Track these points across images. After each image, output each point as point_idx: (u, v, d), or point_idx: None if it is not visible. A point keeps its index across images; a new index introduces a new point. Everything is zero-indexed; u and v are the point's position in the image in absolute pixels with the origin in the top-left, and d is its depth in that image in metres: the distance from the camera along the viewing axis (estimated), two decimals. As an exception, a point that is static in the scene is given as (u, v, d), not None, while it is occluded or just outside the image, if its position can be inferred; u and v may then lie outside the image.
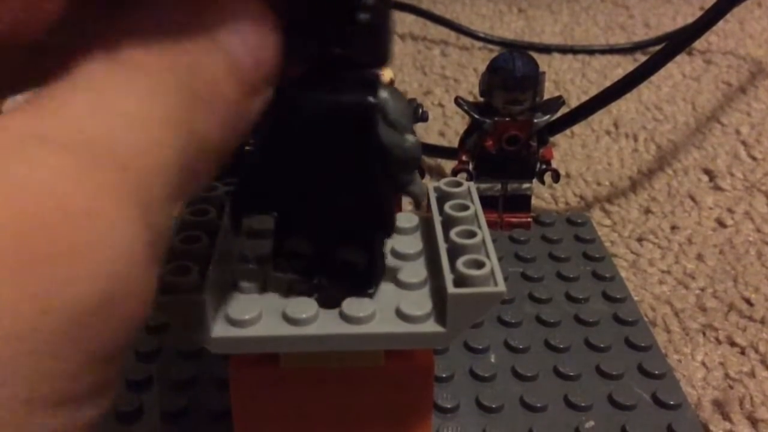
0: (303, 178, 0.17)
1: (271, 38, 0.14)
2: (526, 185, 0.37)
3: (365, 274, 0.19)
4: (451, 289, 0.18)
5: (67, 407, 0.11)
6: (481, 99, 0.37)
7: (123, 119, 0.12)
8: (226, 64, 0.13)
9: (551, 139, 0.38)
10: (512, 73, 0.34)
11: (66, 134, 0.11)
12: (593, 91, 0.42)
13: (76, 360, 0.11)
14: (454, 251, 0.19)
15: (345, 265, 0.18)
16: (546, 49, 0.62)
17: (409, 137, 0.17)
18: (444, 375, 0.28)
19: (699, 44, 0.58)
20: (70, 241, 0.10)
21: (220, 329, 0.18)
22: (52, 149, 0.11)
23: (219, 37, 0.13)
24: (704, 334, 0.32)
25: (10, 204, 0.10)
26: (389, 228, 0.18)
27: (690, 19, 0.54)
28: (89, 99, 0.12)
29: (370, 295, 0.19)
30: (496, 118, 0.36)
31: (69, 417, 0.11)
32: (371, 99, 0.16)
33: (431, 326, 0.18)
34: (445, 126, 0.50)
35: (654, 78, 0.41)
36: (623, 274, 0.35)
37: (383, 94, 0.17)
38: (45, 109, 0.11)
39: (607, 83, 0.41)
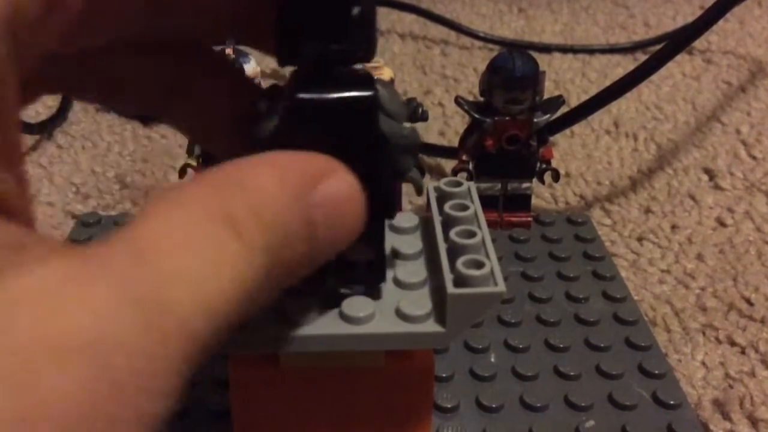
0: None
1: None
2: (526, 185, 0.37)
3: (377, 270, 0.19)
4: (451, 289, 0.18)
5: None
6: (481, 98, 0.37)
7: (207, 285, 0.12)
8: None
9: (551, 138, 0.38)
10: (512, 73, 0.34)
11: (150, 294, 0.11)
12: (593, 91, 0.42)
13: None
14: (454, 251, 0.19)
15: (354, 264, 0.18)
16: (546, 49, 0.62)
17: (407, 125, 0.18)
18: (444, 375, 0.28)
19: (699, 44, 0.58)
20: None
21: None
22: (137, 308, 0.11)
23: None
24: (704, 333, 0.32)
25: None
26: (393, 211, 0.19)
27: (690, 19, 0.54)
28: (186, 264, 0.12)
29: (376, 293, 0.19)
30: (496, 118, 0.36)
31: None
32: (371, 93, 0.17)
33: (431, 326, 0.18)
34: (445, 125, 0.50)
35: (654, 77, 0.41)
36: (623, 273, 0.35)
37: (378, 87, 0.17)
38: (145, 260, 0.12)
39: (607, 83, 0.40)
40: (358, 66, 0.17)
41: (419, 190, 0.19)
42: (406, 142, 0.18)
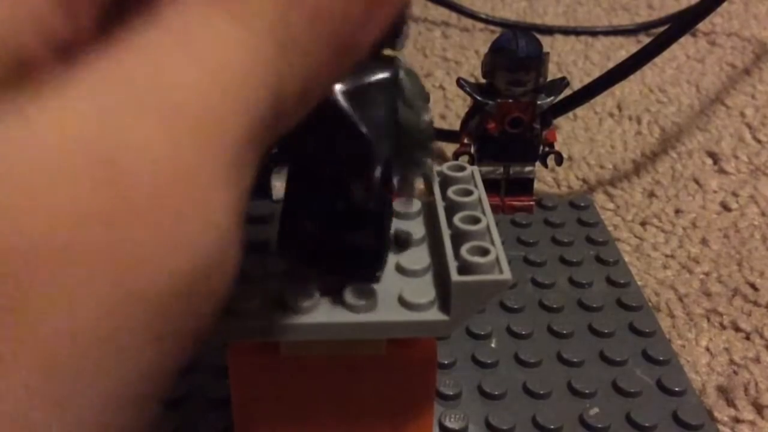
0: (314, 159, 0.17)
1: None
2: (528, 168, 0.37)
3: (376, 257, 0.18)
4: (455, 276, 0.18)
5: (146, 405, 0.10)
6: (484, 80, 0.36)
7: (217, 74, 0.10)
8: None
9: (554, 121, 0.38)
10: (515, 53, 0.34)
11: (159, 95, 0.10)
12: (596, 73, 0.42)
13: (162, 353, 0.10)
14: (458, 237, 0.19)
15: (354, 250, 0.18)
16: (548, 31, 0.61)
17: (425, 117, 0.17)
18: (446, 362, 0.28)
19: (703, 26, 0.57)
20: (165, 209, 0.09)
21: (219, 317, 0.18)
22: (148, 112, 0.09)
23: None
24: (708, 319, 0.32)
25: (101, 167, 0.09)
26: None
27: (694, 0, 0.53)
28: (185, 53, 0.10)
29: (377, 279, 0.19)
30: (498, 100, 0.35)
31: (146, 413, 0.10)
32: (393, 75, 0.16)
33: (434, 314, 0.18)
34: (446, 109, 0.50)
35: (658, 60, 0.40)
36: (627, 258, 0.35)
37: (401, 73, 0.16)
38: (136, 63, 0.10)
39: (611, 65, 0.40)
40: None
41: (429, 188, 0.19)
42: (420, 137, 0.17)
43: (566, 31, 0.62)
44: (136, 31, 0.10)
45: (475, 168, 0.22)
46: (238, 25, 0.10)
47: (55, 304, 0.08)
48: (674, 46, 0.39)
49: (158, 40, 0.10)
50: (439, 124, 0.47)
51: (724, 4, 0.40)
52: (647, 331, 0.29)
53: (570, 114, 0.45)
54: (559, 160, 0.36)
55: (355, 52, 0.12)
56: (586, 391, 0.27)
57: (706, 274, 0.35)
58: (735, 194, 0.40)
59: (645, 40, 0.56)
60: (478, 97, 0.35)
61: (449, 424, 0.25)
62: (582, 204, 0.38)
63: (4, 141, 0.09)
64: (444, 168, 0.22)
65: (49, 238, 0.08)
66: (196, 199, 0.10)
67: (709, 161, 0.44)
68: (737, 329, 0.31)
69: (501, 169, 0.37)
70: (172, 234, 0.09)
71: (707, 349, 0.30)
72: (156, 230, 0.09)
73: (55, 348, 0.09)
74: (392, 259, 0.19)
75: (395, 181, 0.17)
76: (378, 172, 0.16)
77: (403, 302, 0.18)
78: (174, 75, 0.10)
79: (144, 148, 0.09)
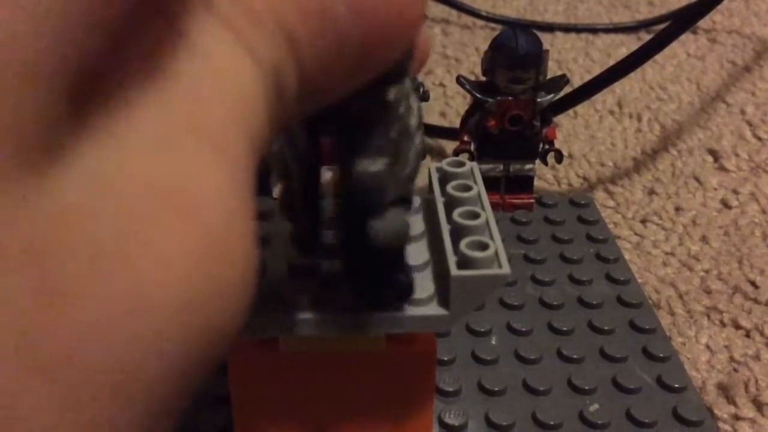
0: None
1: None
2: (528, 166, 0.37)
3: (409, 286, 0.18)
4: (454, 271, 0.18)
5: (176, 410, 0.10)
6: (484, 78, 0.36)
7: (240, 108, 0.10)
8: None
9: (554, 119, 0.38)
10: (515, 51, 0.34)
11: (202, 133, 0.09)
12: (596, 71, 0.42)
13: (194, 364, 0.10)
14: (457, 232, 0.19)
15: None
16: (549, 28, 0.61)
17: (414, 101, 0.17)
18: (446, 358, 0.28)
19: (704, 23, 0.57)
20: (234, 235, 0.10)
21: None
22: (202, 149, 0.09)
23: None
24: (709, 316, 0.32)
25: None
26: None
27: (695, -3, 0.53)
28: (216, 88, 0.10)
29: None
30: (498, 98, 0.35)
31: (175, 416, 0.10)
32: None
33: (434, 309, 0.18)
34: (446, 106, 0.50)
35: (658, 57, 0.40)
36: (627, 255, 0.35)
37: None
38: (182, 101, 0.10)
39: (611, 62, 0.40)
40: None
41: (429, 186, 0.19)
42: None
43: (567, 29, 0.62)
44: (173, 61, 0.10)
45: (475, 164, 0.22)
46: (253, 57, 0.10)
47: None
48: (675, 44, 0.39)
49: (195, 75, 0.10)
50: (439, 121, 0.47)
51: (725, 2, 0.40)
52: (647, 328, 0.29)
53: (570, 111, 0.45)
54: (559, 157, 0.36)
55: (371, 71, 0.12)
56: (586, 388, 0.27)
57: (707, 271, 0.35)
58: (735, 192, 0.40)
59: (645, 37, 0.56)
60: (478, 95, 0.35)
61: (449, 420, 0.25)
62: (582, 201, 0.38)
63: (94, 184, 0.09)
64: (444, 164, 0.22)
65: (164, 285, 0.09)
66: (245, 222, 0.10)
67: (710, 159, 0.44)
68: (737, 327, 0.31)
69: (501, 167, 0.37)
70: (240, 259, 0.10)
71: (707, 346, 0.30)
72: (229, 258, 0.09)
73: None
74: None
75: None
76: None
77: (402, 298, 0.18)
78: (209, 111, 0.10)
79: (211, 184, 0.09)
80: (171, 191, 0.09)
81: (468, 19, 0.64)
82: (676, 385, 0.27)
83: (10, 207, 0.08)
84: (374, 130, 0.15)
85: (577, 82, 0.50)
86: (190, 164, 0.09)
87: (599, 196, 0.40)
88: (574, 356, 0.28)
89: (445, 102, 0.50)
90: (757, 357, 0.30)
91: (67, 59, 0.08)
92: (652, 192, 0.41)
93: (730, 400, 0.28)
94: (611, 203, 0.40)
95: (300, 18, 0.10)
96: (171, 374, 0.09)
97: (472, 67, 0.55)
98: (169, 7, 0.10)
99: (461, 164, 0.22)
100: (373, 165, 0.14)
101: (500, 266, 0.18)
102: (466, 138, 0.36)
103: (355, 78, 0.12)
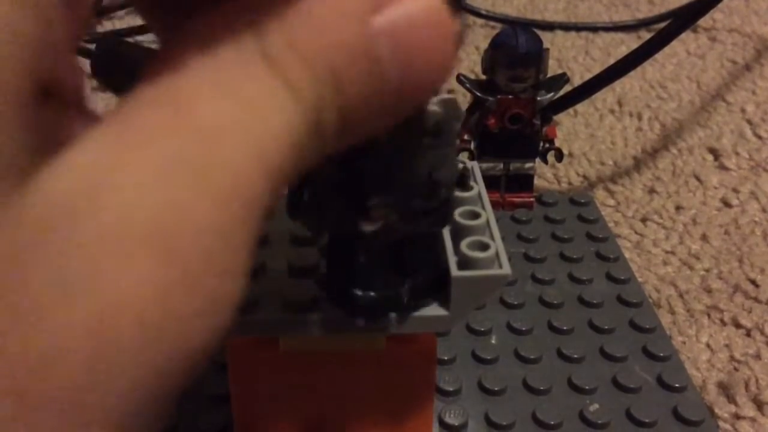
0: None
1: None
2: (528, 165, 0.37)
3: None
4: (454, 271, 0.18)
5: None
6: (484, 76, 0.36)
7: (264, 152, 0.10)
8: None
9: (555, 117, 0.38)
10: (515, 49, 0.34)
11: (212, 176, 0.10)
12: (597, 69, 0.41)
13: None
14: (458, 232, 0.19)
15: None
16: (549, 27, 0.61)
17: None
18: (446, 357, 0.28)
19: (704, 21, 0.57)
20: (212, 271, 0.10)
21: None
22: (203, 189, 0.10)
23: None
24: (709, 315, 0.32)
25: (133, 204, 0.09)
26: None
27: (695, -4, 0.53)
28: (219, 109, 0.10)
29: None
30: (498, 96, 0.35)
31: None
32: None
33: (434, 309, 0.18)
34: (446, 105, 0.50)
35: (658, 56, 0.40)
36: (627, 254, 0.35)
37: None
38: (193, 139, 0.10)
39: (611, 61, 0.40)
40: None
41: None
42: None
43: (567, 27, 0.62)
44: (196, 101, 0.10)
45: (475, 163, 0.22)
46: (289, 96, 0.11)
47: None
48: (675, 42, 0.39)
49: (223, 116, 0.10)
50: (439, 120, 0.47)
51: (725, 0, 0.40)
52: (647, 327, 0.29)
53: (570, 110, 0.45)
54: (560, 156, 0.36)
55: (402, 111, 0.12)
56: (587, 387, 0.26)
57: (707, 270, 0.35)
58: (735, 191, 0.40)
59: (646, 35, 0.56)
60: (478, 94, 0.35)
61: (449, 419, 0.25)
62: (582, 200, 0.38)
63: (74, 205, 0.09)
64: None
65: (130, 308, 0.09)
66: (237, 259, 0.10)
67: (710, 157, 0.44)
68: (738, 326, 0.31)
69: (501, 166, 0.37)
70: (216, 294, 0.10)
71: (708, 345, 0.30)
72: (205, 292, 0.10)
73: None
74: None
75: None
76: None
77: (402, 298, 0.18)
78: (223, 152, 0.10)
79: (197, 224, 0.10)
80: (150, 227, 0.09)
81: (468, 18, 0.64)
82: (677, 385, 0.27)
83: None
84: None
85: (577, 80, 0.50)
86: (178, 202, 0.09)
87: (599, 194, 0.40)
88: (574, 355, 0.28)
89: (445, 100, 0.50)
90: (757, 356, 0.30)
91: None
92: (652, 191, 0.41)
93: (731, 399, 0.28)
94: (611, 202, 0.40)
95: (347, 61, 0.11)
96: (138, 392, 0.09)
97: (472, 65, 0.55)
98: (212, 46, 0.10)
99: (461, 164, 0.22)
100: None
101: (501, 266, 0.18)
102: (466, 136, 0.36)
103: (392, 117, 0.12)
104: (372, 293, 0.17)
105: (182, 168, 0.10)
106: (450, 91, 0.51)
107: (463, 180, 0.18)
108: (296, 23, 0.11)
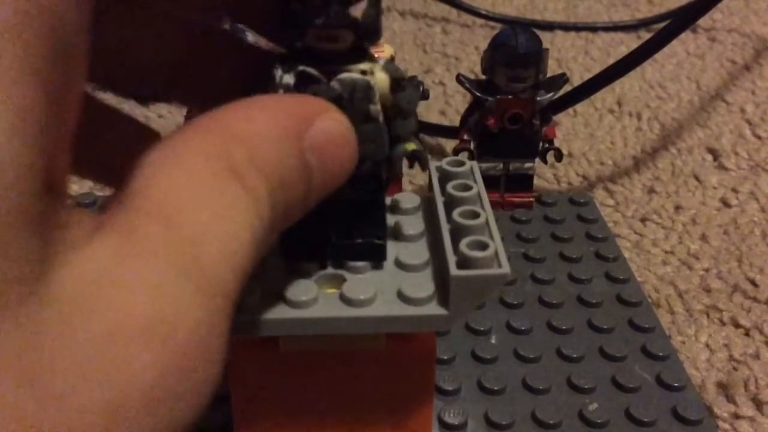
0: None
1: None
2: (528, 164, 0.37)
3: (382, 248, 0.19)
4: (454, 271, 0.18)
5: None
6: (483, 77, 0.36)
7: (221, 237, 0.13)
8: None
9: (554, 117, 0.38)
10: (515, 50, 0.34)
11: (174, 250, 0.12)
12: (596, 69, 0.42)
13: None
14: (457, 232, 0.19)
15: (356, 243, 0.19)
16: (548, 27, 0.61)
17: (408, 90, 0.18)
18: (445, 357, 0.28)
19: (703, 21, 0.57)
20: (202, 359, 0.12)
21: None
22: (190, 288, 0.12)
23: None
24: (708, 315, 0.32)
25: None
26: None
27: (695, -4, 0.53)
28: (197, 218, 0.12)
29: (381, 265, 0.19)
30: (498, 96, 0.35)
31: None
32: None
33: (434, 309, 0.18)
34: (446, 105, 0.50)
35: (658, 56, 0.40)
36: (626, 254, 0.35)
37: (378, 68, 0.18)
38: (178, 243, 0.12)
39: (611, 61, 0.40)
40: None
41: (423, 164, 0.19)
42: (404, 105, 0.18)
43: (566, 27, 0.62)
44: (180, 213, 0.12)
45: (475, 163, 0.22)
46: (248, 200, 0.13)
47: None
48: (674, 42, 0.39)
49: (200, 224, 0.12)
50: (439, 120, 0.47)
51: (725, 0, 0.40)
52: (647, 327, 0.29)
53: (570, 110, 0.45)
54: (559, 156, 0.36)
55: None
56: (586, 387, 0.27)
57: (706, 270, 0.35)
58: (735, 190, 0.40)
59: (645, 35, 0.56)
60: (478, 94, 0.35)
61: (449, 419, 0.25)
62: (582, 200, 0.38)
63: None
64: (443, 163, 0.22)
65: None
66: (221, 345, 0.12)
67: (709, 157, 0.44)
68: (737, 325, 0.31)
69: (501, 166, 0.37)
70: (204, 377, 0.12)
71: (707, 345, 0.30)
72: (197, 375, 0.12)
73: None
74: (391, 253, 0.19)
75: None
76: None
77: (402, 297, 0.18)
78: (204, 254, 0.12)
79: (191, 320, 0.12)
80: (153, 322, 0.11)
81: (468, 18, 0.64)
82: (676, 384, 0.27)
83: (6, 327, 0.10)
84: None
85: (576, 80, 0.50)
86: (173, 300, 0.11)
87: (599, 194, 0.40)
88: (574, 355, 0.28)
89: (444, 101, 0.50)
90: (756, 355, 0.30)
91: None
92: (651, 191, 0.41)
93: (730, 399, 0.28)
94: (611, 202, 0.40)
95: (290, 169, 0.14)
96: None
97: (472, 65, 0.55)
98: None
99: (461, 163, 0.22)
100: None
101: (500, 266, 0.18)
102: (465, 136, 0.36)
103: (316, 201, 0.16)
104: (299, 239, 0.18)
105: (174, 271, 0.12)
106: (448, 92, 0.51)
107: (417, 161, 0.19)
108: (253, 143, 0.14)
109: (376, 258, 0.19)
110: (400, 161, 0.18)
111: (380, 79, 0.18)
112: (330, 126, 0.15)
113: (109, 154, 0.19)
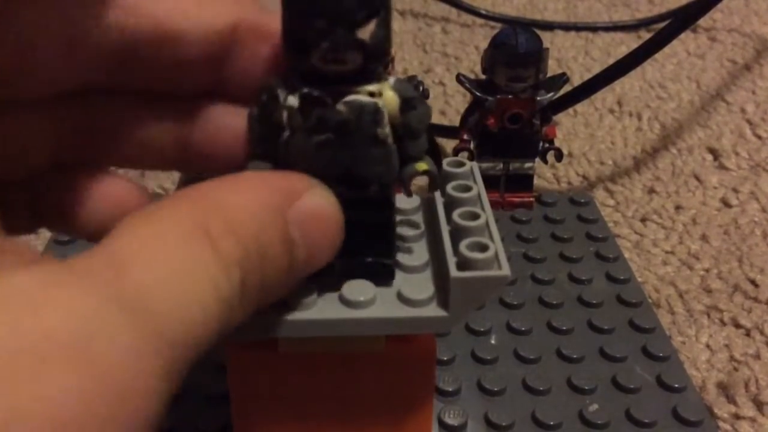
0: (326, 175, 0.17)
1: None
2: (528, 164, 0.37)
3: (390, 269, 0.19)
4: (454, 272, 0.18)
5: None
6: (483, 76, 0.36)
7: (186, 295, 0.13)
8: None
9: (554, 117, 0.38)
10: (515, 49, 0.34)
11: (134, 300, 0.12)
12: (596, 69, 0.41)
13: None
14: (457, 233, 0.19)
15: (364, 262, 0.18)
16: (548, 26, 0.61)
17: (418, 104, 0.18)
18: (445, 358, 0.28)
19: (704, 21, 0.57)
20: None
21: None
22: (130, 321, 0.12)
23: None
24: (709, 315, 0.32)
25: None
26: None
27: (695, -5, 0.53)
28: (162, 271, 0.12)
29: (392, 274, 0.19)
30: (498, 96, 0.35)
31: None
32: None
33: (433, 310, 0.18)
34: (446, 105, 0.50)
35: (658, 56, 0.40)
36: (627, 254, 0.35)
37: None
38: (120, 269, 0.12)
39: (611, 61, 0.40)
40: None
41: (434, 186, 0.19)
42: (415, 126, 0.17)
43: (566, 27, 0.62)
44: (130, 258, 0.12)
45: (475, 164, 0.22)
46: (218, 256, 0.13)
47: None
48: (675, 42, 0.39)
49: (158, 271, 0.12)
50: (439, 120, 0.47)
51: (725, 0, 0.40)
52: (647, 327, 0.29)
53: (570, 110, 0.45)
54: (559, 156, 0.36)
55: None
56: (586, 387, 0.26)
57: (707, 270, 0.35)
58: (735, 190, 0.40)
59: (645, 35, 0.56)
60: (478, 93, 0.35)
61: (449, 420, 0.25)
62: (582, 200, 0.38)
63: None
64: (443, 164, 0.22)
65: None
66: (154, 385, 0.12)
67: (710, 157, 0.44)
68: (737, 326, 0.31)
69: (501, 165, 0.37)
70: (132, 411, 0.11)
71: (707, 345, 0.30)
72: (122, 408, 0.11)
73: None
74: None
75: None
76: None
77: (402, 298, 0.18)
78: (154, 297, 0.12)
79: (119, 345, 0.11)
80: (73, 345, 0.11)
81: (468, 18, 0.64)
82: (676, 385, 0.27)
83: None
84: None
85: (576, 80, 0.50)
86: (102, 327, 0.11)
87: (599, 194, 0.40)
88: (574, 356, 0.28)
89: (444, 100, 0.50)
90: (757, 356, 0.30)
91: None
92: (652, 191, 0.41)
93: (730, 400, 0.28)
94: (611, 202, 0.40)
95: (271, 243, 0.14)
96: None
97: (472, 65, 0.55)
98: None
99: (461, 164, 0.22)
100: None
101: (500, 267, 0.18)
102: (465, 136, 0.36)
103: (298, 279, 0.16)
104: None
105: (105, 300, 0.11)
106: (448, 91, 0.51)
107: (432, 184, 0.19)
108: (232, 212, 0.14)
109: (384, 278, 0.19)
110: (410, 182, 0.18)
111: (389, 99, 0.17)
112: (315, 202, 0.16)
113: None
